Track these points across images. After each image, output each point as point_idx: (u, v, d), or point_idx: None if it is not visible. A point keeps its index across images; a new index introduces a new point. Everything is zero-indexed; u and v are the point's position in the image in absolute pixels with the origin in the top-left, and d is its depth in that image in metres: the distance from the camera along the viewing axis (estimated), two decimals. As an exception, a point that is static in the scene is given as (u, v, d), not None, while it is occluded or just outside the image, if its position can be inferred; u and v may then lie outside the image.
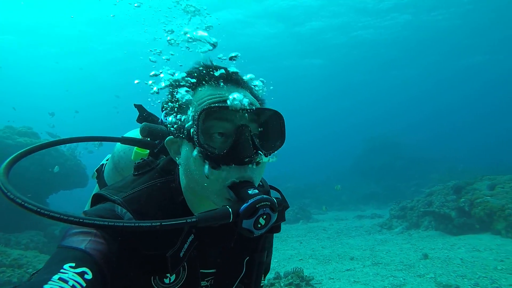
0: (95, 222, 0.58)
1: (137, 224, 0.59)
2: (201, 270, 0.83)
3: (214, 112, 0.70)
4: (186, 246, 0.75)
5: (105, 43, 20.86)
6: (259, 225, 0.64)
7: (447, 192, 7.42)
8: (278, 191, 0.88)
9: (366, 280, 4.23)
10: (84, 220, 0.58)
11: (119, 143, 1.12)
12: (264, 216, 0.64)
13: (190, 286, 0.80)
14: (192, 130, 0.69)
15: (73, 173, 8.78)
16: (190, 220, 0.61)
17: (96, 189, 1.20)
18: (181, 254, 0.74)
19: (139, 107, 1.17)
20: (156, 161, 0.91)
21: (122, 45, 20.21)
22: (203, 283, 0.86)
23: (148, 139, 1.03)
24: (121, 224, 0.58)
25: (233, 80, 0.77)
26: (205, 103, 0.71)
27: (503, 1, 16.72)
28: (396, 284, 3.99)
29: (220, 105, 0.69)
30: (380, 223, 8.72)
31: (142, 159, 0.90)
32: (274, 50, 22.09)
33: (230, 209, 0.63)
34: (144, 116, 1.16)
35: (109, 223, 0.58)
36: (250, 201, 0.63)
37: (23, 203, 0.58)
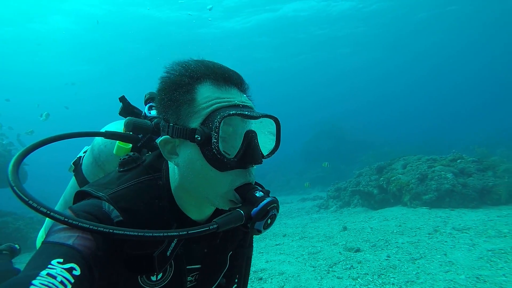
0: (111, 231, 0.61)
1: (165, 234, 0.64)
2: (187, 266, 0.87)
3: (229, 119, 0.73)
4: (173, 244, 0.78)
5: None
6: (266, 225, 0.72)
7: (372, 173, 8.83)
8: (260, 185, 0.90)
9: (290, 252, 5.17)
10: (107, 229, 0.61)
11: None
12: (271, 216, 0.72)
13: (177, 282, 0.84)
14: (209, 135, 0.71)
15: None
16: (212, 227, 0.67)
17: (72, 181, 1.20)
18: (168, 253, 0.77)
19: (122, 100, 1.16)
20: (142, 158, 0.93)
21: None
22: (188, 278, 0.90)
23: (131, 133, 1.03)
24: (142, 234, 0.62)
25: (235, 81, 0.79)
26: (214, 106, 0.74)
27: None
28: (312, 252, 4.99)
29: (239, 112, 0.72)
30: (319, 204, 10.00)
31: (127, 154, 0.91)
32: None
33: (242, 212, 0.70)
34: (128, 109, 1.15)
35: (139, 233, 0.62)
36: (261, 204, 0.70)
37: (38, 207, 0.62)
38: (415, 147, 16.58)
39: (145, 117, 1.12)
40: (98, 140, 1.11)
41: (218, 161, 0.72)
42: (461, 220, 5.72)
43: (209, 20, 17.86)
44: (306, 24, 22.08)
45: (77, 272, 0.58)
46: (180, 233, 0.64)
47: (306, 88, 40.67)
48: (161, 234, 0.63)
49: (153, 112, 1.12)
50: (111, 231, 0.61)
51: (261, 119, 0.77)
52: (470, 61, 34.65)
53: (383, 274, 3.71)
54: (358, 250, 4.76)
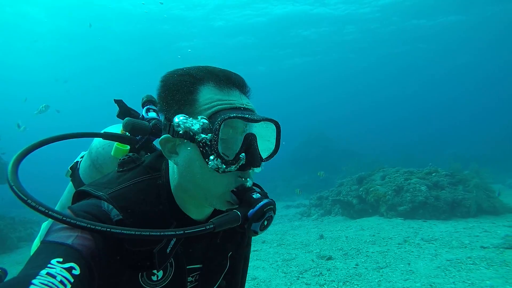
0: (108, 229, 0.62)
1: (162, 233, 0.65)
2: (187, 266, 0.88)
3: (230, 121, 0.75)
4: (172, 242, 0.79)
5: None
6: (263, 226, 0.74)
7: (353, 183, 9.21)
8: (259, 186, 0.93)
9: (266, 258, 5.44)
10: (104, 228, 0.62)
11: (96, 139, 1.14)
12: (268, 218, 0.74)
13: (177, 282, 0.85)
14: (209, 137, 0.73)
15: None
16: (208, 227, 0.68)
17: (69, 186, 1.22)
18: (168, 250, 0.78)
19: (119, 102, 1.18)
20: (141, 158, 0.94)
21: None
22: (189, 279, 0.91)
23: (128, 134, 1.05)
24: (139, 233, 0.63)
25: (237, 84, 0.81)
26: (216, 108, 0.76)
27: None
28: (287, 258, 5.27)
29: (240, 115, 0.74)
30: (301, 211, 10.31)
31: (126, 155, 0.93)
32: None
33: (239, 213, 0.72)
34: (125, 111, 1.18)
35: (136, 233, 0.63)
36: (258, 205, 0.72)
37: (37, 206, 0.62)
38: (400, 158, 17.17)
39: (143, 119, 1.14)
40: (96, 143, 1.13)
41: (219, 163, 0.73)
42: (430, 231, 6.10)
43: (161, 3, 17.47)
44: (295, 27, 22.49)
45: (77, 271, 0.59)
46: (177, 232, 0.66)
47: (295, 94, 41.32)
48: (158, 233, 0.65)
49: (151, 114, 1.14)
50: (109, 229, 0.62)
51: (261, 122, 0.79)
52: (459, 76, 35.94)
53: (348, 282, 4.02)
54: (330, 258, 5.07)
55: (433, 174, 7.87)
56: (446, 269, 4.10)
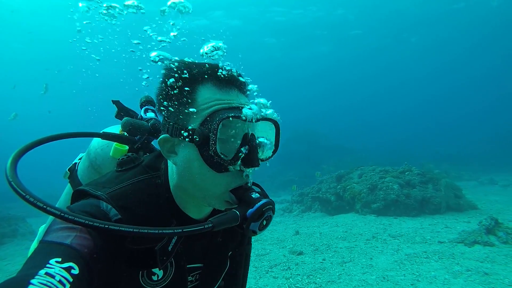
0: (106, 226, 0.63)
1: (160, 231, 0.65)
2: (187, 265, 0.89)
3: (228, 121, 0.75)
4: (174, 240, 0.80)
5: None
6: (262, 226, 0.75)
7: (332, 180, 9.68)
8: (259, 186, 0.94)
9: (242, 253, 5.84)
10: (102, 225, 0.63)
11: (95, 140, 1.15)
12: (267, 218, 0.76)
13: (178, 281, 0.86)
14: (207, 136, 0.74)
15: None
16: (207, 226, 0.70)
17: (67, 189, 1.23)
18: (170, 248, 0.79)
19: (117, 103, 1.20)
20: (140, 158, 0.96)
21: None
22: (189, 278, 0.92)
23: (126, 134, 1.06)
24: (137, 230, 0.64)
25: (236, 83, 0.82)
26: (214, 107, 0.77)
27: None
28: (261, 254, 5.68)
29: (237, 114, 0.75)
30: (284, 207, 10.76)
31: (125, 155, 0.95)
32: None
33: (238, 213, 0.73)
34: (123, 112, 1.20)
35: (120, 228, 0.63)
36: (257, 205, 0.73)
37: (35, 201, 0.62)
38: (384, 154, 17.79)
39: (142, 119, 1.15)
40: (94, 143, 1.14)
41: (215, 163, 0.76)
42: (399, 228, 6.61)
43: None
44: (281, 20, 22.54)
45: (76, 271, 0.59)
46: (175, 230, 0.67)
47: (281, 89, 41.48)
48: (156, 231, 0.65)
49: (149, 115, 1.17)
50: (107, 226, 0.63)
51: (261, 121, 0.80)
52: (447, 73, 36.84)
53: (311, 275, 4.45)
54: (300, 253, 5.50)
55: (407, 173, 8.39)
56: (402, 262, 4.57)
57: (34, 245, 1.30)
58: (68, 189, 1.23)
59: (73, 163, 1.27)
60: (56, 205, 1.25)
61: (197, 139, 0.75)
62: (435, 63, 33.02)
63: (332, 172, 10.61)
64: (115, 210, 0.76)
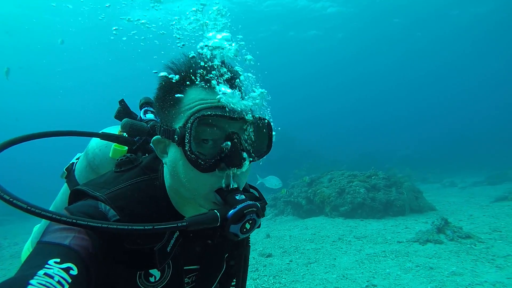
0: (88, 223, 0.63)
1: (130, 227, 0.66)
2: (184, 267, 0.90)
3: (207, 120, 0.76)
4: (172, 241, 0.81)
5: None
6: (244, 229, 0.74)
7: (303, 184, 10.08)
8: (256, 189, 0.92)
9: (213, 257, 6.02)
10: (78, 221, 0.63)
11: (93, 140, 1.16)
12: (250, 221, 0.74)
13: (175, 283, 0.87)
14: (184, 136, 0.75)
15: None
16: (180, 224, 0.69)
17: (64, 188, 1.23)
18: (168, 249, 0.80)
19: (121, 103, 1.20)
20: (139, 159, 0.97)
21: None
22: (186, 280, 0.93)
23: (125, 135, 1.07)
24: (115, 226, 0.65)
25: (226, 81, 0.81)
26: (196, 107, 0.77)
27: None
28: (231, 257, 5.90)
29: (214, 113, 0.75)
30: (258, 212, 11.03)
31: (124, 155, 0.96)
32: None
33: (218, 213, 0.72)
34: (125, 112, 1.20)
35: (103, 225, 0.64)
36: (238, 207, 0.72)
37: (12, 200, 0.62)
38: (354, 160, 18.60)
39: (141, 120, 1.17)
40: (93, 144, 1.15)
41: (195, 162, 0.76)
42: (364, 229, 7.06)
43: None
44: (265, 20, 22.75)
45: (74, 271, 0.60)
46: (146, 227, 0.67)
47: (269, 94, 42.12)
48: (126, 227, 0.66)
49: (149, 116, 1.18)
50: (74, 221, 0.63)
51: (256, 120, 0.80)
52: (420, 77, 38.99)
53: (277, 276, 4.73)
54: (269, 256, 5.77)
55: (373, 177, 8.93)
56: (362, 262, 4.96)
57: (27, 245, 1.33)
58: (64, 189, 1.23)
59: (70, 162, 1.27)
60: (52, 204, 1.26)
61: (176, 139, 0.77)
62: (404, 71, 34.89)
63: (304, 177, 11.01)
64: (113, 211, 0.78)
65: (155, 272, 0.85)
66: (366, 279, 4.26)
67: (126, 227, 0.66)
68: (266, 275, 4.78)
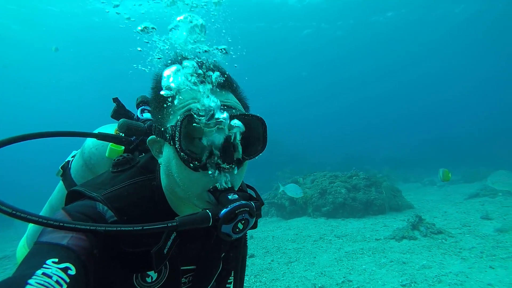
0: (76, 226, 0.64)
1: (119, 228, 0.66)
2: (181, 267, 0.90)
3: (194, 118, 0.76)
4: (169, 243, 0.81)
5: None
6: (237, 229, 0.73)
7: (287, 186, 10.28)
8: (253, 189, 0.93)
9: (196, 260, 6.12)
10: (65, 224, 0.64)
11: (89, 139, 1.15)
12: (243, 221, 0.73)
13: (171, 283, 0.87)
14: (174, 135, 0.75)
15: None
16: (170, 225, 0.69)
17: (59, 186, 1.23)
18: (165, 251, 0.80)
19: (116, 101, 1.20)
20: (136, 159, 0.97)
21: None
22: (183, 280, 0.94)
23: (122, 134, 1.07)
24: (103, 228, 0.66)
25: (217, 81, 0.81)
26: (187, 106, 0.78)
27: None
28: (214, 259, 6.01)
29: (200, 111, 0.74)
30: (242, 214, 11.15)
31: (121, 155, 0.96)
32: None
33: (210, 213, 0.72)
34: (121, 111, 1.20)
35: (91, 227, 0.65)
36: (230, 207, 0.71)
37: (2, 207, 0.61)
38: (340, 161, 19.03)
39: (138, 119, 1.17)
40: (89, 143, 1.14)
41: (187, 161, 0.76)
42: (345, 228, 7.31)
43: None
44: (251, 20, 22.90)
45: (73, 271, 0.60)
46: (135, 228, 0.67)
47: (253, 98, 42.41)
48: (114, 229, 0.66)
49: (146, 115, 1.19)
50: (61, 224, 0.64)
51: (248, 118, 0.80)
52: (400, 86, 40.24)
53: (258, 275, 4.88)
54: (252, 256, 5.91)
55: (354, 178, 9.24)
56: (340, 259, 5.18)
57: (22, 241, 1.33)
58: (60, 187, 1.22)
59: (65, 161, 1.26)
60: (47, 203, 1.26)
61: (168, 137, 0.78)
62: (388, 75, 35.96)
63: (287, 179, 11.24)
64: (111, 212, 0.79)
65: (152, 273, 0.86)
66: (343, 275, 4.47)
67: (115, 228, 0.67)
68: (248, 275, 4.92)
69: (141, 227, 0.68)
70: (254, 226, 0.90)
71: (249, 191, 1.04)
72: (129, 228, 0.67)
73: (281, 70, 32.06)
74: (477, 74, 36.29)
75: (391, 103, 48.10)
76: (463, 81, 39.51)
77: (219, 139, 0.77)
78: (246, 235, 1.15)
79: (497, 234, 5.22)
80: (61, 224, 0.64)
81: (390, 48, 28.68)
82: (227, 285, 1.16)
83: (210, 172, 0.78)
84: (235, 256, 1.11)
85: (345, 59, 30.32)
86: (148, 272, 0.84)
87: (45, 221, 0.64)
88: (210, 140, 0.78)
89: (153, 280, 0.85)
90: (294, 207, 9.36)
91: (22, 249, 1.32)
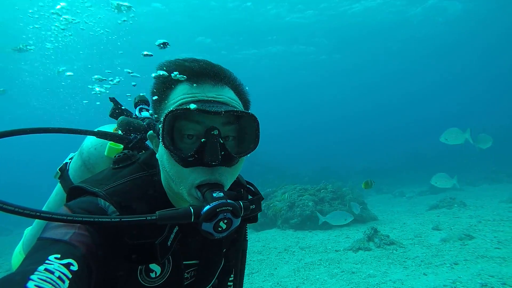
0: (54, 216, 0.66)
1: (97, 219, 0.68)
2: (183, 262, 0.93)
3: (182, 114, 0.78)
4: (172, 235, 0.83)
5: None
6: (219, 229, 0.73)
7: (259, 199, 10.63)
8: (252, 185, 0.93)
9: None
10: (53, 216, 0.65)
11: (88, 139, 1.17)
12: (225, 221, 0.72)
13: (175, 278, 0.90)
14: (159, 131, 0.78)
15: None
16: (149, 218, 0.69)
17: (57, 188, 1.24)
18: (169, 243, 0.82)
19: (113, 101, 1.21)
20: (137, 155, 0.98)
21: None
22: (185, 275, 0.96)
23: (120, 132, 1.08)
24: (80, 218, 0.67)
25: (210, 76, 0.82)
26: (178, 102, 0.80)
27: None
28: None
29: (184, 107, 0.76)
30: (215, 227, 11.35)
31: (122, 152, 0.98)
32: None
33: (192, 209, 0.72)
34: (119, 110, 1.22)
35: (68, 217, 0.66)
36: (212, 204, 0.71)
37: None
38: (316, 172, 19.63)
39: (137, 118, 1.19)
40: (88, 143, 1.16)
41: (174, 157, 0.78)
42: (310, 240, 7.69)
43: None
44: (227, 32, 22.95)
45: (75, 267, 0.62)
46: (113, 219, 0.68)
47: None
48: (92, 219, 0.68)
49: (144, 114, 1.21)
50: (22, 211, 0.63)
51: (239, 115, 0.81)
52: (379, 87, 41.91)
53: (218, 286, 5.14)
54: (216, 269, 6.17)
55: (322, 191, 9.71)
56: (298, 270, 5.53)
57: (18, 248, 1.35)
58: (58, 189, 1.23)
59: (63, 163, 1.27)
60: (45, 205, 1.28)
61: (158, 133, 0.81)
62: (368, 94, 37.44)
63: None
64: (113, 207, 0.80)
65: (156, 268, 0.88)
66: (296, 285, 4.82)
67: (93, 219, 0.68)
68: (208, 287, 5.18)
69: (119, 219, 0.69)
70: (254, 220, 1.00)
71: (249, 187, 1.08)
72: (107, 220, 0.69)
73: (259, 84, 32.73)
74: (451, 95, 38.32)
75: (367, 117, 50.06)
76: (439, 99, 41.73)
77: (206, 135, 0.78)
78: (246, 230, 1.17)
79: (440, 243, 5.74)
80: (37, 214, 0.66)
81: (367, 68, 30.06)
82: (229, 283, 1.18)
83: (200, 168, 0.80)
84: (235, 250, 1.13)
85: (324, 78, 31.44)
86: (152, 267, 0.87)
87: (38, 214, 0.66)
88: (195, 137, 0.81)
89: (156, 275, 0.87)
90: (265, 219, 9.69)
91: (18, 255, 1.34)
